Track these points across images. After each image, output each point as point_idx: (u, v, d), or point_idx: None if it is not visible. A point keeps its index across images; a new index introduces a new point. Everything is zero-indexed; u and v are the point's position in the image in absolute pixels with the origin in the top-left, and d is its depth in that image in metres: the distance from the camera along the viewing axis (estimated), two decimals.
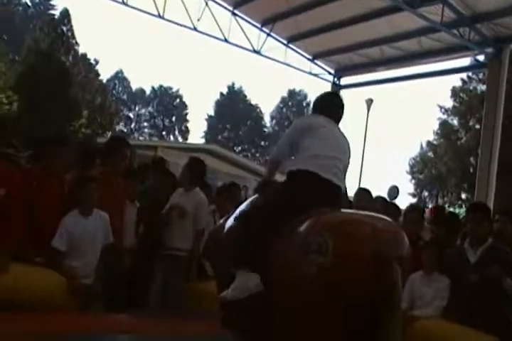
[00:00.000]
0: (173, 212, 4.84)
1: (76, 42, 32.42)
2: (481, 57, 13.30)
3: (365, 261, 2.61)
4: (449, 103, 31.39)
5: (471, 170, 26.64)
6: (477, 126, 26.31)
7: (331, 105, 3.58)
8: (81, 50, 33.94)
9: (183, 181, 4.98)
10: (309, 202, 2.97)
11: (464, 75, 29.07)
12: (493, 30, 11.92)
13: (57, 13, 33.81)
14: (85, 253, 4.10)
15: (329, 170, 3.12)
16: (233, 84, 54.41)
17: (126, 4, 13.26)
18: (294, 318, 2.69)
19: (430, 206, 31.63)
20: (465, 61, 15.29)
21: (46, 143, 4.37)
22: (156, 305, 4.61)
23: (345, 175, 3.34)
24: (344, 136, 3.44)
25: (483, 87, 23.18)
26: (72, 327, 3.41)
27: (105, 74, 46.04)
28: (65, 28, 31.15)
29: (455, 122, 31.80)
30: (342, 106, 3.63)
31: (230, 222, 3.37)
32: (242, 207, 3.40)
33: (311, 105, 3.69)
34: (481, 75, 26.98)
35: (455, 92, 30.32)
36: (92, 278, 4.10)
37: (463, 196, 31.12)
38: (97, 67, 38.47)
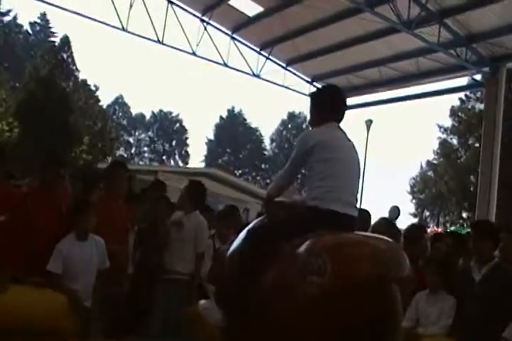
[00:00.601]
0: (171, 228, 4.81)
1: (76, 69, 32.80)
2: (478, 77, 13.43)
3: (363, 282, 2.59)
4: (448, 122, 31.63)
5: (472, 189, 26.61)
6: (476, 145, 26.38)
7: (338, 102, 3.36)
8: (81, 76, 34.35)
9: (182, 204, 4.94)
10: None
11: (462, 95, 29.34)
12: (489, 50, 12.06)
13: (57, 40, 34.30)
14: (81, 277, 4.07)
15: (347, 202, 3.02)
16: (233, 107, 54.87)
17: (126, 30, 13.43)
18: (291, 339, 2.66)
19: (431, 226, 31.62)
20: (463, 81, 15.46)
21: (44, 166, 4.37)
22: (157, 330, 4.54)
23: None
24: (353, 146, 3.24)
25: (482, 106, 23.31)
26: None
27: (105, 99, 46.43)
28: (65, 55, 31.54)
29: (454, 141, 31.93)
30: (345, 101, 3.47)
31: (235, 244, 3.33)
32: (250, 227, 3.35)
33: (313, 100, 3.36)
34: (478, 94, 27.19)
35: (454, 112, 30.53)
36: (89, 302, 4.06)
37: (464, 215, 31.02)
38: (97, 93, 38.80)
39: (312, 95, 3.51)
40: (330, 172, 2.98)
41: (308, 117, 3.46)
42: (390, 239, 2.99)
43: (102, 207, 4.29)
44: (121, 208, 4.68)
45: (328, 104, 3.28)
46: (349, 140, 3.25)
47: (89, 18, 12.97)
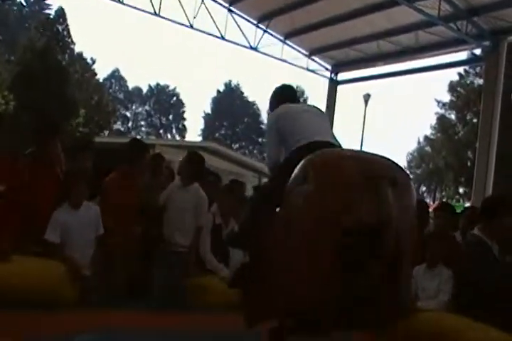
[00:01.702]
0: (170, 199, 4.84)
1: (72, 42, 32.33)
2: (478, 51, 13.30)
3: (348, 183, 2.44)
4: (447, 97, 31.46)
5: (469, 164, 26.68)
6: (474, 120, 26.35)
7: (294, 96, 3.74)
8: (77, 49, 33.91)
9: (181, 175, 4.93)
10: None
11: (461, 69, 29.13)
12: (490, 23, 11.91)
13: (52, 12, 33.72)
14: (78, 245, 4.14)
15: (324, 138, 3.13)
16: (230, 81, 54.43)
17: (121, 2, 13.22)
18: (291, 255, 2.56)
19: (428, 201, 31.78)
20: (462, 55, 15.32)
21: (39, 133, 4.43)
22: (157, 301, 4.60)
23: None
24: (315, 107, 3.50)
25: (481, 81, 23.18)
26: (72, 325, 3.38)
27: (102, 73, 46.04)
28: (60, 27, 31.04)
29: (452, 116, 31.84)
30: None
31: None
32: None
33: (273, 98, 3.70)
34: (478, 69, 27.00)
35: (452, 87, 30.36)
36: (88, 270, 4.14)
37: (461, 190, 31.17)
38: (94, 66, 38.40)
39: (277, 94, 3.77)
40: (297, 129, 3.15)
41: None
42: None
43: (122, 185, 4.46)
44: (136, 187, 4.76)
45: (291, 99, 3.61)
46: (309, 105, 3.61)
47: None
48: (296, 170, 2.69)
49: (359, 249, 2.35)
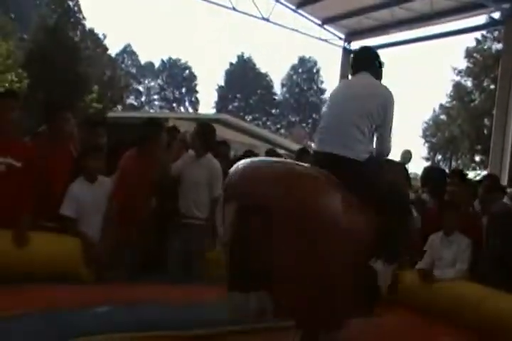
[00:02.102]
0: (184, 171, 4.85)
1: (83, 17, 32.13)
2: (496, 15, 12.97)
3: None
4: (463, 64, 30.84)
5: (485, 132, 26.34)
6: (492, 87, 25.85)
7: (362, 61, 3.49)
8: (88, 24, 33.67)
9: (193, 147, 4.92)
10: None
11: (478, 35, 28.41)
12: None
13: None
14: (94, 219, 4.17)
15: (329, 141, 3.10)
16: (242, 53, 53.89)
17: None
18: None
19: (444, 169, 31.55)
20: (479, 19, 14.96)
21: (49, 109, 4.45)
22: (175, 274, 4.66)
23: (379, 126, 3.19)
24: (367, 83, 3.29)
25: (499, 46, 22.64)
26: (89, 299, 3.45)
27: (113, 48, 45.74)
28: (71, 3, 30.82)
29: (469, 83, 31.29)
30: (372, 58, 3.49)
31: None
32: None
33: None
34: (496, 34, 26.33)
35: (469, 53, 29.72)
36: (101, 245, 4.15)
37: (477, 159, 30.87)
38: (105, 42, 38.13)
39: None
40: (321, 119, 3.24)
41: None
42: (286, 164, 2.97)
43: (137, 166, 4.48)
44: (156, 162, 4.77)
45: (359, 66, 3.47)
46: (366, 83, 3.30)
47: None
48: None
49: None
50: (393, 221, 2.95)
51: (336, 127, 3.12)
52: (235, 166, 2.86)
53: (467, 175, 5.55)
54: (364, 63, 3.45)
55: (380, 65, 3.47)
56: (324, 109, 3.51)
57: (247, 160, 2.93)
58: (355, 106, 3.12)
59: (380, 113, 3.17)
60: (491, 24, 14.70)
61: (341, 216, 2.63)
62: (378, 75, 3.43)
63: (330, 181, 2.80)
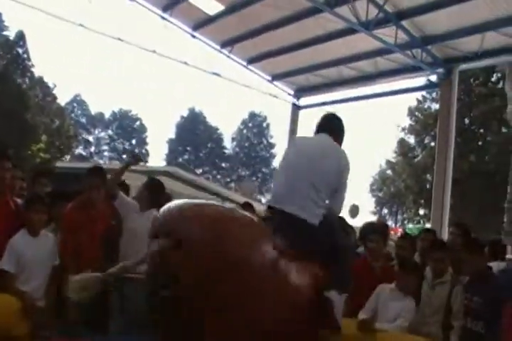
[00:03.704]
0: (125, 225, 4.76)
1: (32, 65, 31.92)
2: (433, 78, 13.76)
3: None
4: (406, 122, 32.24)
5: (428, 187, 27.23)
6: (432, 144, 27.02)
7: (325, 124, 3.65)
8: (37, 72, 33.41)
9: (139, 201, 4.87)
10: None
11: (419, 95, 29.97)
12: (443, 52, 12.39)
13: (11, 34, 33.12)
14: (35, 274, 4.02)
15: (287, 199, 3.18)
16: (194, 107, 54.61)
17: (83, 26, 13.21)
18: None
19: (390, 223, 32.21)
20: (419, 81, 15.79)
21: None
22: (121, 329, 4.48)
23: (337, 186, 3.34)
24: (326, 144, 3.43)
25: (437, 106, 23.89)
26: None
27: (63, 97, 45.43)
28: (20, 50, 30.67)
29: (412, 140, 32.59)
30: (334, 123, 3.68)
31: None
32: None
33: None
34: (434, 94, 27.85)
35: (411, 111, 31.16)
36: (43, 302, 4.01)
37: (421, 212, 31.72)
38: (55, 91, 37.87)
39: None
40: (276, 174, 3.34)
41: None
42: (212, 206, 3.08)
43: (79, 211, 4.35)
44: (98, 213, 4.64)
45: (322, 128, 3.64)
46: (326, 146, 3.45)
47: (46, 12, 12.68)
48: None
49: None
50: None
51: (292, 185, 3.20)
52: (164, 207, 2.96)
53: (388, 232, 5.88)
54: (328, 126, 3.62)
55: (343, 131, 3.66)
56: (280, 163, 3.57)
57: (179, 201, 3.01)
58: (314, 165, 3.24)
59: (337, 175, 3.31)
60: (428, 86, 15.54)
61: (264, 261, 2.77)
62: (339, 139, 3.60)
63: (262, 230, 2.96)
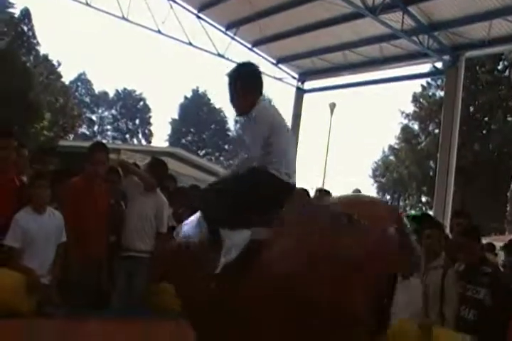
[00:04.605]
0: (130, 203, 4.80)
1: (37, 43, 31.74)
2: (439, 64, 13.70)
3: None
4: (410, 108, 32.11)
5: (431, 174, 27.26)
6: (436, 131, 26.95)
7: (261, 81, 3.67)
8: (42, 50, 33.26)
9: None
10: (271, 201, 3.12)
11: (423, 81, 29.80)
12: (449, 39, 12.30)
13: (16, 11, 32.91)
14: (41, 251, 4.04)
15: (293, 173, 3.28)
16: (197, 87, 54.32)
17: (89, 5, 13.14)
18: None
19: None
20: (424, 67, 15.71)
21: None
22: (119, 307, 4.56)
23: None
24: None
25: (442, 93, 23.79)
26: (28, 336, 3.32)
27: (68, 76, 45.28)
28: (25, 28, 30.44)
29: (416, 127, 32.49)
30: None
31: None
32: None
33: (242, 78, 3.60)
34: (439, 81, 27.69)
35: (416, 98, 31.02)
36: (48, 278, 4.04)
37: (423, 199, 31.79)
38: (60, 69, 37.71)
39: (238, 72, 3.65)
40: (279, 153, 3.25)
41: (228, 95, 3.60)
42: None
43: (83, 189, 4.37)
44: (102, 189, 4.68)
45: (256, 80, 3.65)
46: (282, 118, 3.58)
47: None
48: None
49: None
50: None
51: (293, 159, 3.38)
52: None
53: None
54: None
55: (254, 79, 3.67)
56: (275, 137, 3.41)
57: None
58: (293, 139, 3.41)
59: None
60: (434, 73, 15.47)
61: None
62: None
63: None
